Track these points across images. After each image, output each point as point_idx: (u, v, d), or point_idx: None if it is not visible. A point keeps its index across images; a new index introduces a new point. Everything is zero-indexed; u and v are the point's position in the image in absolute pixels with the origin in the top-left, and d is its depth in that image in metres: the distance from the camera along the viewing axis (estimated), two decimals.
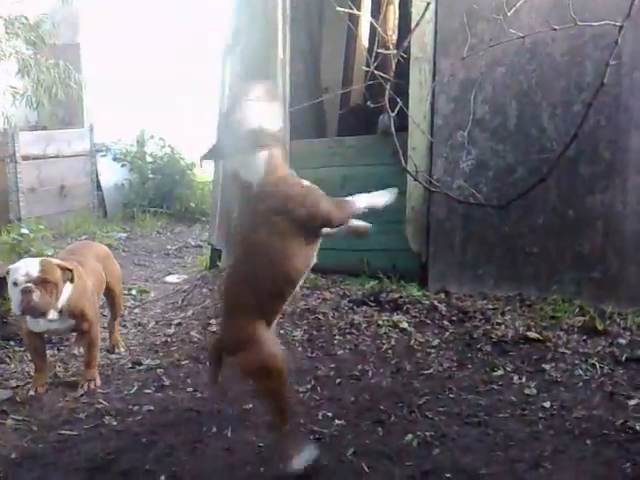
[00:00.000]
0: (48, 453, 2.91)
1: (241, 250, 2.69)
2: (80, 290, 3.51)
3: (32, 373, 3.68)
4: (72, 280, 3.43)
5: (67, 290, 3.43)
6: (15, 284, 3.28)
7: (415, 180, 4.17)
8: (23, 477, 2.72)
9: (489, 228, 4.57)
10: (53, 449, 2.95)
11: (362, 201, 2.75)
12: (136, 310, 5.01)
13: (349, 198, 2.74)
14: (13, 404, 3.38)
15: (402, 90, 4.68)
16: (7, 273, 3.40)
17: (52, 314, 3.39)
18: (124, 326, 4.55)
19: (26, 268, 3.30)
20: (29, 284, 3.26)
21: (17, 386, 3.61)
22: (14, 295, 3.30)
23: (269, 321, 2.66)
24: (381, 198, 2.82)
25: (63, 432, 3.09)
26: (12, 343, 4.16)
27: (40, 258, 3.47)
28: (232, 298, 2.70)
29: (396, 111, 3.83)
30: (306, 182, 2.69)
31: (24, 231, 5.51)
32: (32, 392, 3.50)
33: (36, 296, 3.26)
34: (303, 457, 2.61)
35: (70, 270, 3.41)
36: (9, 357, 4.00)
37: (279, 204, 2.56)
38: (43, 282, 3.29)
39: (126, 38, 8.94)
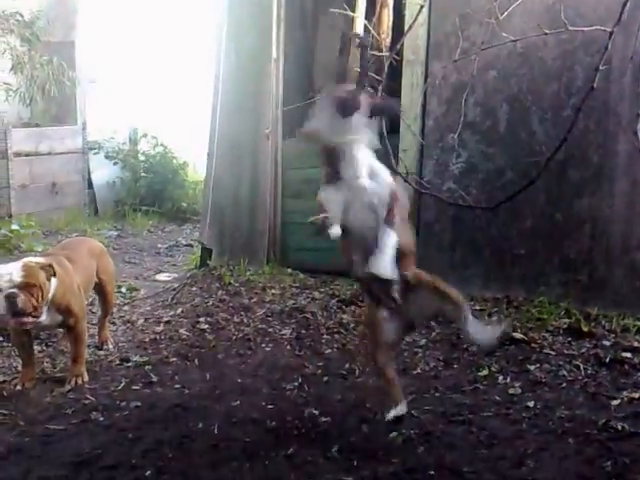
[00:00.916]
0: (34, 447, 2.91)
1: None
2: (65, 286, 3.51)
3: (19, 368, 3.68)
4: (54, 275, 3.40)
5: (52, 286, 3.42)
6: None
7: (405, 182, 4.19)
8: (9, 470, 2.72)
9: (478, 230, 4.60)
10: (39, 443, 2.95)
11: None
12: (125, 307, 5.02)
13: None
14: (0, 398, 3.38)
15: (394, 92, 4.72)
16: None
17: (42, 316, 3.39)
18: (113, 323, 4.56)
19: (9, 274, 3.28)
20: (13, 290, 3.26)
21: (4, 381, 3.61)
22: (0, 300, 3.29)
23: None
24: None
25: (50, 427, 3.10)
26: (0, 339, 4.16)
27: (22, 261, 3.43)
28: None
29: None
30: None
31: (14, 227, 5.52)
32: (19, 387, 3.50)
33: (20, 301, 3.25)
34: (398, 410, 2.80)
35: (50, 266, 3.39)
36: None
37: None
38: (27, 286, 3.28)
39: (120, 37, 8.95)
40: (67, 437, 3.00)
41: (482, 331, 2.80)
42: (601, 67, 3.38)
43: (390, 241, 2.74)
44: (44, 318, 3.42)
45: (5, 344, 4.07)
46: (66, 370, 3.69)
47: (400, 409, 2.80)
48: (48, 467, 2.74)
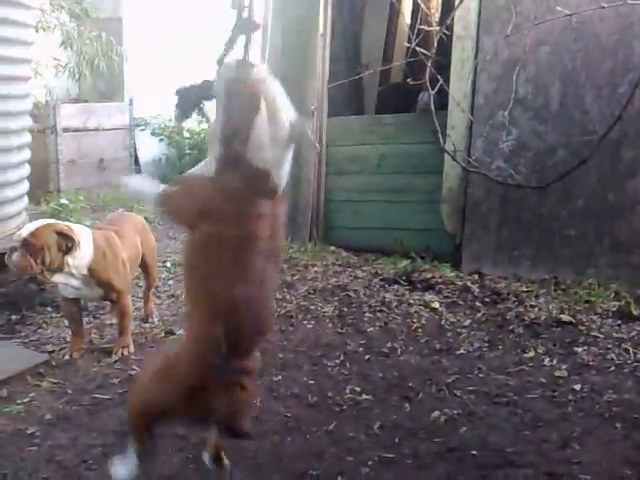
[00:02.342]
0: (82, 415, 2.97)
1: None
2: (107, 260, 3.53)
3: (68, 338, 3.76)
4: (69, 250, 3.37)
5: (85, 258, 3.43)
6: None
7: (453, 160, 4.12)
8: (57, 437, 2.79)
9: (527, 210, 4.51)
10: (87, 411, 3.01)
11: None
12: (170, 282, 5.06)
13: None
14: (49, 367, 3.45)
15: (443, 68, 4.63)
16: None
17: (48, 275, 3.41)
18: (158, 297, 4.60)
19: (25, 229, 3.37)
20: (16, 243, 3.34)
21: (53, 351, 3.68)
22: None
23: None
24: None
25: (97, 396, 3.15)
26: (49, 309, 4.24)
27: (41, 222, 3.46)
28: None
29: (436, 89, 3.79)
30: None
31: (63, 201, 5.60)
32: (67, 357, 3.56)
33: (15, 256, 3.32)
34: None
35: (71, 239, 3.37)
36: (46, 322, 4.08)
37: None
38: (26, 244, 3.32)
39: (168, 13, 8.97)
40: (113, 406, 3.05)
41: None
42: None
43: None
44: (78, 285, 3.48)
45: (54, 315, 4.15)
46: (113, 341, 3.75)
47: None
48: (95, 435, 2.79)
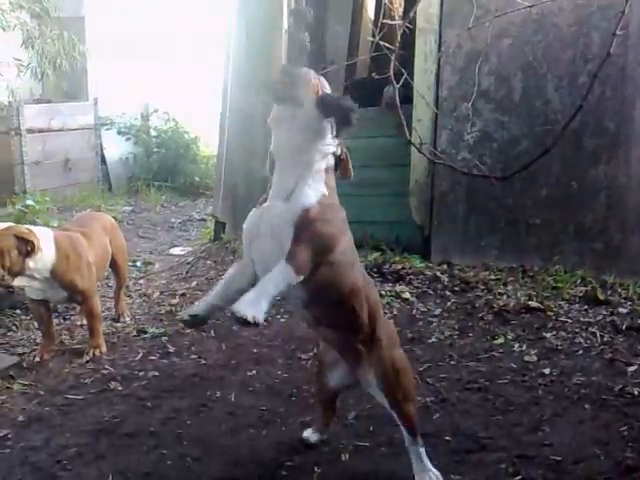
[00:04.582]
0: (55, 416, 2.96)
1: None
2: (70, 262, 3.49)
3: (38, 340, 3.73)
4: (29, 253, 3.33)
5: (46, 260, 3.39)
6: None
7: (419, 152, 4.17)
8: (31, 439, 2.77)
9: (492, 200, 4.58)
10: (60, 412, 2.99)
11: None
12: (141, 281, 5.05)
13: None
14: (20, 369, 3.43)
15: (407, 62, 4.67)
16: None
17: (9, 279, 3.37)
18: (129, 296, 4.59)
19: None
20: None
21: (24, 353, 3.65)
22: None
23: None
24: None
25: (69, 396, 3.14)
26: (18, 311, 4.20)
27: (3, 225, 3.41)
28: None
29: (401, 83, 3.82)
30: None
31: (29, 203, 5.52)
32: (38, 358, 3.54)
33: None
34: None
35: (30, 242, 3.33)
36: (15, 325, 4.04)
37: None
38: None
39: (130, 11, 8.88)
40: (87, 406, 3.04)
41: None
42: (618, 32, 3.32)
43: (276, 279, 2.06)
44: (50, 290, 3.46)
45: (24, 317, 4.11)
46: (84, 342, 3.73)
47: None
48: (68, 435, 2.78)
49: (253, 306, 1.98)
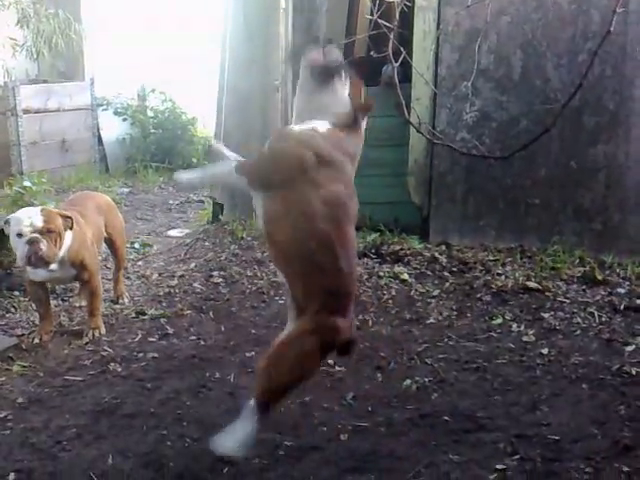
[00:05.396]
0: (54, 397, 2.97)
1: None
2: (80, 240, 3.52)
3: (37, 322, 3.73)
4: (71, 227, 3.42)
5: (67, 239, 3.44)
6: (20, 235, 3.27)
7: (418, 132, 4.14)
8: (30, 420, 2.78)
9: (491, 180, 4.57)
10: (59, 393, 3.00)
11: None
12: (139, 263, 5.03)
13: None
14: (19, 351, 3.42)
15: (406, 40, 4.62)
16: (5, 223, 3.39)
17: (54, 264, 3.41)
18: (128, 278, 4.58)
19: (29, 218, 3.28)
20: (35, 234, 3.25)
21: (22, 334, 3.65)
22: (19, 246, 3.29)
23: None
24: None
25: (69, 378, 3.14)
26: (16, 293, 4.19)
27: (40, 207, 3.46)
28: None
29: (399, 61, 3.78)
30: None
31: (27, 184, 5.49)
32: (37, 340, 3.54)
33: (44, 246, 3.26)
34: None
35: (70, 217, 3.42)
36: (14, 307, 4.04)
37: None
38: (48, 232, 3.29)
39: None
40: (86, 387, 3.05)
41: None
42: (618, 10, 3.27)
43: (220, 166, 2.52)
44: (55, 268, 3.44)
45: (22, 299, 4.11)
46: (83, 323, 3.73)
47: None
48: (68, 416, 2.79)
49: (188, 174, 2.59)
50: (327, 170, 2.28)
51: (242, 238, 5.16)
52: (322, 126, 2.37)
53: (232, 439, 2.35)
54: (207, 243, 5.28)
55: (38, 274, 3.49)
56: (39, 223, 3.28)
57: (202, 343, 3.50)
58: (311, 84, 2.49)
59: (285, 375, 2.30)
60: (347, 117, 2.44)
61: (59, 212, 3.42)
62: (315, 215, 2.22)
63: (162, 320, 3.81)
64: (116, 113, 8.95)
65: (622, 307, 3.56)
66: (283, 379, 2.31)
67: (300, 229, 2.23)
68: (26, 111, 7.48)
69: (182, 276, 4.58)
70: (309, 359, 2.30)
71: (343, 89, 2.50)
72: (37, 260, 3.28)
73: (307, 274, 2.26)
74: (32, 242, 3.25)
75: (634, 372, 2.90)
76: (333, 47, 2.61)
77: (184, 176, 2.58)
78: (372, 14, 3.84)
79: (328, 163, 2.29)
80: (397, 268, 4.35)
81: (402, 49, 3.79)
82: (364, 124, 2.56)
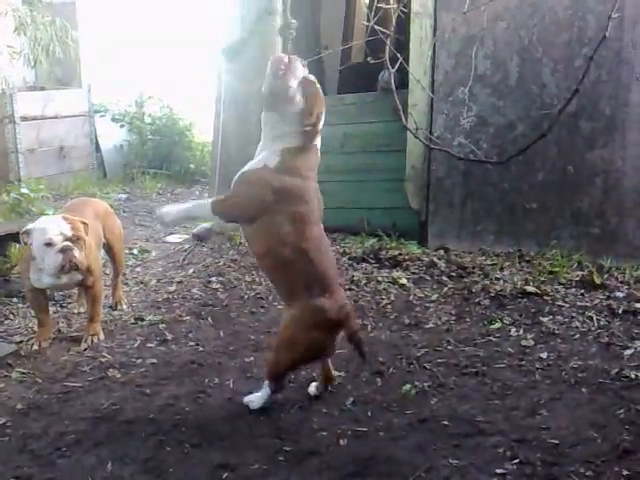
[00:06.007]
0: (53, 403, 2.96)
1: None
2: (87, 245, 3.53)
3: (35, 329, 3.72)
4: (87, 233, 3.46)
5: None
6: (49, 244, 3.29)
7: (415, 137, 4.16)
8: (29, 426, 2.77)
9: (489, 185, 4.58)
10: (58, 400, 2.99)
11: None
12: (138, 269, 5.03)
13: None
14: (18, 358, 3.42)
15: (403, 46, 4.65)
16: (24, 234, 3.38)
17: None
18: (126, 284, 4.58)
19: (58, 227, 3.32)
20: (67, 243, 3.29)
21: (21, 341, 3.64)
22: (49, 255, 3.30)
23: None
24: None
25: (67, 384, 3.13)
26: (15, 300, 4.19)
27: (60, 216, 3.48)
28: None
29: (396, 67, 3.81)
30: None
31: (24, 191, 5.50)
32: (36, 346, 3.53)
33: (77, 253, 3.31)
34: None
35: (86, 224, 3.46)
36: (13, 313, 4.03)
37: None
38: (78, 240, 3.34)
39: None
40: (85, 394, 3.04)
41: None
42: (614, 15, 3.31)
43: (195, 205, 2.82)
44: (66, 276, 3.45)
45: (20, 305, 4.11)
46: (82, 330, 3.73)
47: None
48: (67, 423, 2.78)
49: (167, 209, 2.81)
50: (285, 196, 2.63)
51: (240, 244, 5.16)
52: (272, 160, 2.66)
53: (256, 402, 2.82)
54: (205, 249, 5.28)
55: (44, 281, 3.48)
56: (68, 232, 3.32)
57: (201, 349, 3.50)
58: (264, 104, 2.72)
59: (288, 360, 2.73)
60: (300, 138, 2.66)
61: (80, 219, 3.46)
62: (282, 231, 2.63)
63: (161, 326, 3.81)
64: (114, 120, 8.96)
65: (621, 311, 3.57)
66: (285, 363, 2.75)
67: (273, 243, 2.65)
68: (24, 118, 7.49)
69: (180, 282, 4.58)
70: (303, 341, 2.69)
71: (294, 109, 2.66)
72: (71, 267, 3.33)
73: (287, 274, 2.70)
74: (65, 250, 3.29)
75: (633, 376, 2.90)
76: (298, 60, 2.78)
77: (164, 211, 2.80)
78: (369, 20, 3.88)
79: (284, 191, 2.63)
80: (396, 273, 4.36)
81: (399, 55, 3.83)
82: (318, 140, 2.74)
